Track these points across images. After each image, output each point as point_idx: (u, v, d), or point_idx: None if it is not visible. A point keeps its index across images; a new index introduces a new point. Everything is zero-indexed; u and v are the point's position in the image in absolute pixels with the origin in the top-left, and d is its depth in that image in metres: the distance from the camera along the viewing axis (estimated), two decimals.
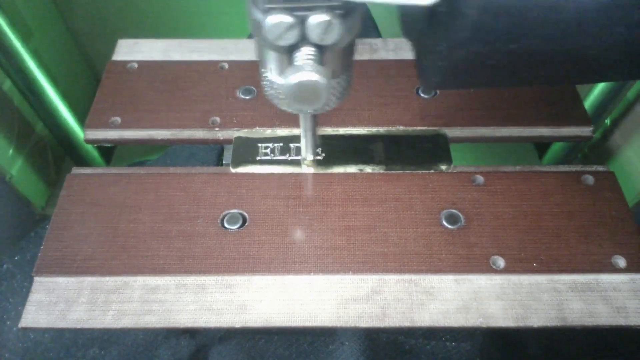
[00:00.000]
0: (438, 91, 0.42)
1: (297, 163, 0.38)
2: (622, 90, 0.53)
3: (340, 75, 0.27)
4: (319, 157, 0.38)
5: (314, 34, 0.23)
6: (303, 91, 0.24)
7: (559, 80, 0.28)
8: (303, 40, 0.23)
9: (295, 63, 0.24)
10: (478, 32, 0.22)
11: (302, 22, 0.23)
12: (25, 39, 0.56)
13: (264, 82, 0.28)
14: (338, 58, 0.26)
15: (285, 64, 0.25)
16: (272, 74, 0.27)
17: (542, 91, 0.42)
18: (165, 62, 0.45)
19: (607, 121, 0.56)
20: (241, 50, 0.46)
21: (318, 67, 0.23)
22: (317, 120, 0.33)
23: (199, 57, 0.45)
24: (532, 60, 0.24)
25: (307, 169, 0.37)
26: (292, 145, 0.39)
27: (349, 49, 0.26)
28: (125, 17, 0.70)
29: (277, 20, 0.22)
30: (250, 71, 0.44)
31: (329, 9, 0.22)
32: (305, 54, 0.24)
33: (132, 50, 0.46)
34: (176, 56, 0.46)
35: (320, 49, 0.24)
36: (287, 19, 0.22)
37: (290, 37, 0.23)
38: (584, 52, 0.23)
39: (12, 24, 0.54)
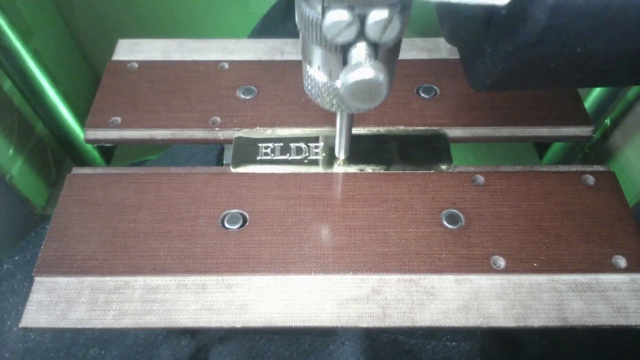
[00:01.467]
0: (438, 91, 0.42)
1: (297, 163, 0.38)
2: (622, 90, 0.53)
3: (389, 73, 0.26)
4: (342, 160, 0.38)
5: (372, 32, 0.23)
6: (362, 90, 0.23)
7: (615, 81, 0.28)
8: (358, 37, 0.23)
9: (353, 61, 0.23)
10: (547, 36, 0.22)
11: (361, 19, 0.22)
12: (26, 39, 0.56)
13: (307, 81, 0.28)
14: (390, 55, 0.26)
15: (335, 62, 0.25)
16: (318, 72, 0.27)
17: (542, 91, 0.42)
18: (165, 62, 0.45)
19: (607, 121, 0.56)
20: (241, 50, 0.46)
21: (377, 64, 0.23)
22: (353, 119, 0.33)
23: (199, 57, 0.45)
24: (593, 62, 0.24)
25: (313, 168, 0.37)
26: (292, 145, 0.39)
27: (398, 45, 0.26)
28: (126, 17, 0.70)
29: (336, 17, 0.22)
30: (251, 71, 0.44)
31: (389, 5, 0.22)
32: (361, 51, 0.23)
33: (132, 50, 0.46)
34: (176, 56, 0.46)
35: (375, 46, 0.24)
36: (346, 16, 0.22)
37: (348, 35, 0.23)
38: None
39: (12, 24, 0.54)
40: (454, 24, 0.28)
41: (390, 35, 0.23)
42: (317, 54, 0.26)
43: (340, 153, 0.37)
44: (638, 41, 0.22)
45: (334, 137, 0.39)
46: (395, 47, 0.26)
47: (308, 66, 0.27)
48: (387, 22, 0.22)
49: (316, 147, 0.39)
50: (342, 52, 0.24)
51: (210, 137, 0.40)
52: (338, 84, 0.27)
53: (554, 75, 0.25)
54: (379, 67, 0.23)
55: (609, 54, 0.23)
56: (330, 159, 0.38)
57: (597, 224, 0.34)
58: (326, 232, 0.34)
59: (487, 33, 0.25)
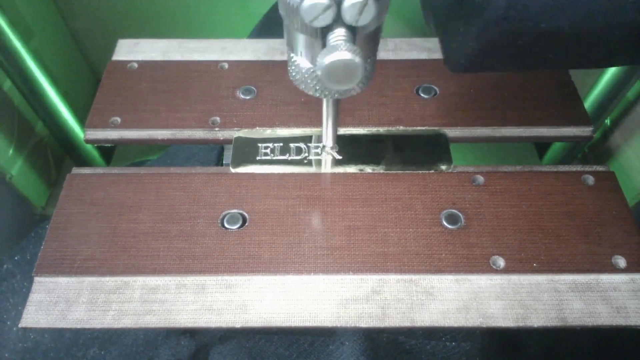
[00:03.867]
0: (438, 91, 0.42)
1: (297, 163, 0.38)
2: (622, 90, 0.53)
3: (367, 59, 0.27)
4: (339, 157, 0.38)
5: (348, 15, 0.24)
6: (338, 71, 0.24)
7: (584, 62, 0.29)
8: (336, 22, 0.24)
9: (330, 43, 0.24)
10: (511, 11, 0.23)
11: (337, 3, 0.23)
12: (26, 39, 0.56)
13: (292, 67, 0.29)
14: (368, 40, 0.26)
15: (316, 47, 0.26)
16: (302, 58, 0.27)
17: (542, 91, 0.42)
18: (165, 62, 0.45)
19: (607, 121, 0.57)
20: (241, 50, 0.46)
21: (352, 47, 0.24)
22: (339, 107, 0.34)
23: (199, 57, 0.45)
24: (560, 40, 0.24)
25: (313, 168, 0.37)
26: (292, 145, 0.39)
27: (377, 32, 0.27)
28: (126, 17, 0.70)
29: (313, 1, 0.23)
30: (250, 71, 0.44)
31: None
32: (339, 34, 0.24)
33: (132, 50, 0.46)
34: (176, 56, 0.46)
35: (352, 30, 0.25)
36: (323, 0, 0.23)
37: (326, 19, 0.24)
38: (611, 32, 0.23)
39: (13, 24, 0.54)
40: (429, 6, 0.29)
41: (366, 19, 0.24)
42: (300, 40, 0.27)
43: (328, 140, 0.37)
44: (601, 19, 0.23)
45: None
46: (375, 31, 0.27)
47: (292, 53, 0.28)
48: (362, 6, 0.23)
49: (316, 147, 0.39)
50: (322, 37, 0.25)
51: (210, 137, 0.40)
52: (318, 69, 0.27)
53: (524, 54, 0.26)
54: (354, 49, 0.24)
55: (574, 31, 0.24)
56: (330, 158, 0.38)
57: (597, 224, 0.34)
58: (326, 232, 0.34)
59: (460, 12, 0.26)
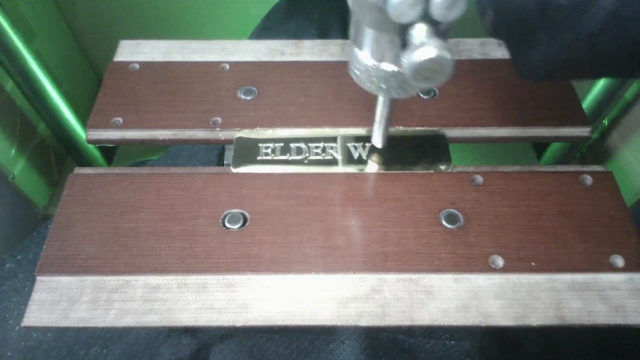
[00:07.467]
0: (438, 91, 0.42)
1: (298, 163, 0.38)
2: (620, 91, 0.53)
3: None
4: (339, 157, 0.38)
5: (438, 11, 0.22)
6: (428, 68, 0.23)
7: None
8: (420, 17, 0.23)
9: (416, 41, 0.23)
10: (610, 25, 0.21)
11: None
12: (28, 40, 0.57)
13: (355, 64, 0.28)
14: (445, 35, 0.25)
15: (388, 44, 0.25)
16: (369, 56, 0.27)
17: (541, 92, 0.42)
18: (166, 63, 0.45)
19: (605, 121, 0.57)
20: (242, 50, 0.46)
21: (442, 43, 0.23)
22: (394, 107, 0.33)
23: (200, 57, 0.46)
24: None
25: (313, 168, 0.38)
26: (292, 145, 0.39)
27: (451, 27, 0.26)
28: (127, 18, 0.71)
29: None
30: (251, 72, 0.44)
31: None
32: (422, 30, 0.23)
33: (133, 51, 0.46)
34: (177, 57, 0.46)
35: (435, 26, 0.24)
36: None
37: (413, 14, 0.23)
38: None
39: (15, 25, 0.54)
40: (501, 15, 0.28)
41: (456, 14, 0.23)
42: (370, 36, 0.26)
43: (377, 141, 0.36)
44: None
45: (333, 138, 0.40)
46: (451, 26, 0.26)
47: (357, 50, 0.27)
48: (454, 2, 0.22)
49: (316, 147, 0.39)
50: (400, 34, 0.24)
51: (211, 138, 0.41)
52: (386, 66, 0.27)
53: (611, 64, 0.25)
54: (444, 46, 0.23)
55: None
56: (330, 158, 0.38)
57: (595, 224, 0.34)
58: (326, 232, 0.34)
59: (543, 23, 0.24)
